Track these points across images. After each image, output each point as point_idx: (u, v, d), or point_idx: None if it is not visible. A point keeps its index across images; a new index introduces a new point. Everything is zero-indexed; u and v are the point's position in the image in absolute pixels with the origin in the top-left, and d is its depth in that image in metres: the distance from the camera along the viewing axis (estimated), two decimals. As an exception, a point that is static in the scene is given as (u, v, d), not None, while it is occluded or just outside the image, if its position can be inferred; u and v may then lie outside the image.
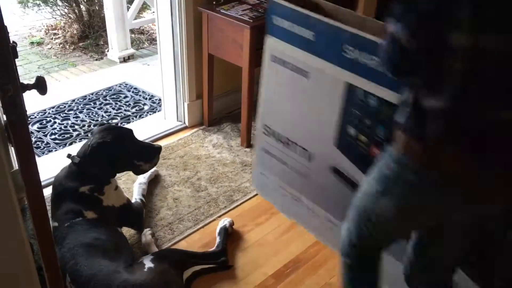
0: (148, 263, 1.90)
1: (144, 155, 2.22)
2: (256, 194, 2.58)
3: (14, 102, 1.11)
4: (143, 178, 2.53)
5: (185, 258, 2.07)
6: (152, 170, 2.61)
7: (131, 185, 2.55)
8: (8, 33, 1.14)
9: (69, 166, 2.13)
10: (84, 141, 2.95)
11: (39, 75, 1.23)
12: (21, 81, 1.22)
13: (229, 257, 2.19)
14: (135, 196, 2.42)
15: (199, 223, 2.38)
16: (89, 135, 2.17)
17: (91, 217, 2.02)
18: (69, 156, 2.13)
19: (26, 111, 1.18)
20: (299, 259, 2.22)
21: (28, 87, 1.20)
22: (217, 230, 2.28)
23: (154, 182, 2.61)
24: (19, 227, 1.30)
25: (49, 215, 2.14)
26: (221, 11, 2.68)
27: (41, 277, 1.47)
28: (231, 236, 2.30)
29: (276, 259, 2.22)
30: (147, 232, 2.24)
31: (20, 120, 1.14)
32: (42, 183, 1.88)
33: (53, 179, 2.18)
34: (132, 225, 2.28)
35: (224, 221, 2.31)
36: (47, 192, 2.45)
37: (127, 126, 3.13)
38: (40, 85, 1.21)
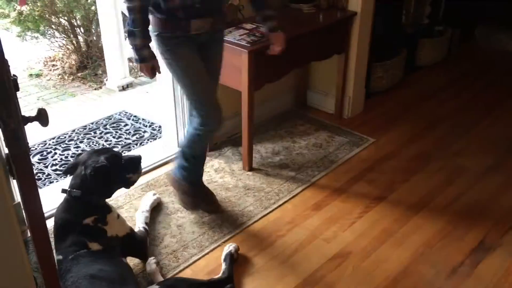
0: None
1: (131, 166, 2.24)
2: (261, 218, 2.56)
3: (16, 135, 1.11)
4: (145, 206, 2.51)
5: (191, 287, 2.03)
6: (155, 197, 2.60)
7: (134, 214, 2.52)
8: (9, 66, 1.14)
9: (66, 200, 2.10)
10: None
11: (39, 107, 1.22)
12: (22, 113, 1.21)
13: (236, 283, 2.15)
14: (138, 224, 2.40)
15: (204, 250, 2.36)
16: (74, 161, 2.16)
17: (96, 249, 1.99)
18: (64, 191, 2.09)
19: (28, 143, 1.17)
20: (307, 283, 2.19)
21: (30, 119, 1.20)
22: (223, 256, 2.25)
23: (156, 210, 2.59)
24: (23, 260, 1.28)
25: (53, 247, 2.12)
26: (218, 36, 2.70)
27: (46, 312, 1.44)
28: (237, 262, 2.27)
29: (284, 283, 2.19)
30: (151, 260, 2.21)
31: (22, 153, 1.14)
32: (45, 215, 1.86)
33: (54, 212, 2.15)
34: (137, 254, 2.26)
35: (229, 247, 2.28)
36: (50, 224, 2.43)
37: (127, 153, 3.13)
38: (42, 117, 1.21)
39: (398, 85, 4.00)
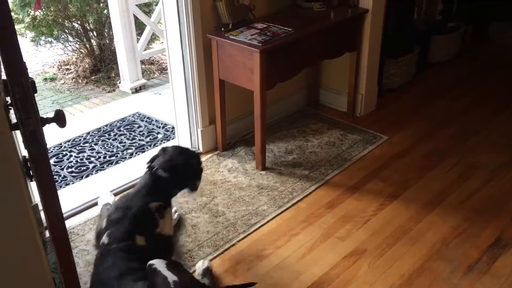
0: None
1: (198, 173, 2.37)
2: (275, 217, 2.56)
3: (35, 136, 1.13)
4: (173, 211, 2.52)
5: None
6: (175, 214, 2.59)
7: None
8: (27, 69, 1.16)
9: (146, 180, 2.22)
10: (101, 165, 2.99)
11: (55, 109, 1.25)
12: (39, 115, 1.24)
13: (251, 282, 2.16)
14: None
15: (219, 249, 2.37)
16: (160, 152, 2.35)
17: (140, 244, 2.04)
18: (151, 168, 2.23)
19: (46, 145, 1.19)
20: (322, 281, 2.19)
21: (48, 120, 1.22)
22: (201, 272, 2.17)
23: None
24: (42, 261, 1.30)
25: (104, 224, 2.16)
26: (230, 37, 2.71)
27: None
28: (252, 261, 2.28)
29: (299, 282, 2.19)
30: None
31: (41, 154, 1.16)
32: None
33: (120, 197, 2.28)
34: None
35: (204, 263, 2.21)
36: (68, 224, 2.48)
37: (142, 155, 3.16)
38: (60, 118, 1.23)
39: (411, 82, 3.98)
